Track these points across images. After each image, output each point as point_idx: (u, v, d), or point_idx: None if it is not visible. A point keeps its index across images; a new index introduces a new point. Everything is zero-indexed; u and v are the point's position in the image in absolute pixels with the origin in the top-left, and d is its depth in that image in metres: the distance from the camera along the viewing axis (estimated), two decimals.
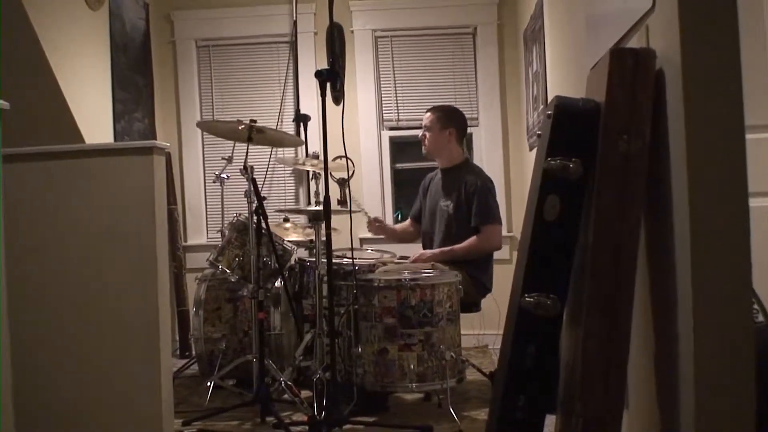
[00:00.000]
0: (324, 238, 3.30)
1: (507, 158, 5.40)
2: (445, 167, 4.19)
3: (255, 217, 3.66)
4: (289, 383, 3.63)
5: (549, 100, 3.08)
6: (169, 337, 3.34)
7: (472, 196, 3.95)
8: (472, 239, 3.93)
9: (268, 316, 4.06)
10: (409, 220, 4.47)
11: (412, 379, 3.37)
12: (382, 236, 4.53)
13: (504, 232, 5.12)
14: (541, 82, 4.20)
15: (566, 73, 3.54)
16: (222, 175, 4.88)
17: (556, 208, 2.12)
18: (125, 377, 2.96)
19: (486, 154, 5.40)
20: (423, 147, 4.19)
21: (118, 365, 2.97)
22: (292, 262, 4.12)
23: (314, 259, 3.81)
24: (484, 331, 5.11)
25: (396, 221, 5.54)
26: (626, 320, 1.97)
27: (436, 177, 4.27)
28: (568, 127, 2.14)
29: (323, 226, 3.38)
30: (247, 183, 3.68)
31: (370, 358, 3.43)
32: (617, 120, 2.01)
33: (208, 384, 3.82)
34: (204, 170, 5.63)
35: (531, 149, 4.74)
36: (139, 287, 2.98)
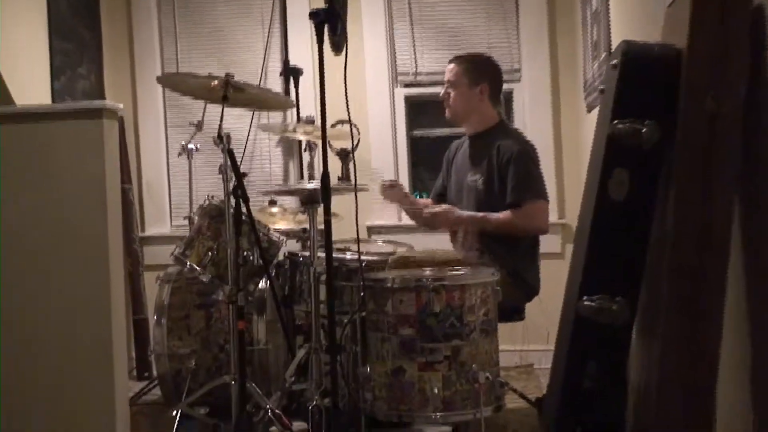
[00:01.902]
0: (321, 227, 3.28)
1: (558, 123, 5.38)
2: (473, 133, 4.19)
3: (233, 200, 3.65)
4: (278, 412, 3.61)
5: (614, 47, 3.06)
6: (124, 353, 3.36)
7: (507, 164, 3.94)
8: (509, 212, 3.92)
9: (250, 326, 4.06)
10: (429, 201, 4.46)
11: (437, 407, 3.36)
12: (396, 222, 4.53)
13: (554, 218, 5.12)
14: (603, 24, 4.18)
15: (636, 11, 3.52)
16: (190, 146, 4.91)
17: (625, 184, 2.11)
18: (69, 406, 2.98)
19: (530, 118, 5.38)
20: (446, 109, 4.18)
21: (60, 391, 2.99)
22: (281, 257, 4.12)
23: (309, 254, 3.81)
24: (528, 345, 5.11)
25: None
26: (715, 329, 1.96)
27: (463, 146, 4.27)
28: (639, 81, 2.13)
29: (320, 210, 3.36)
30: (222, 156, 3.67)
31: (381, 380, 3.43)
32: (703, 72, 1.99)
33: (174, 413, 3.83)
34: (166, 140, 5.64)
35: (590, 110, 4.72)
36: (86, 291, 3.00)
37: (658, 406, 1.99)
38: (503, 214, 3.92)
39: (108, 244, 3.02)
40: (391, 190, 4.32)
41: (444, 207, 4.08)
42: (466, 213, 4.01)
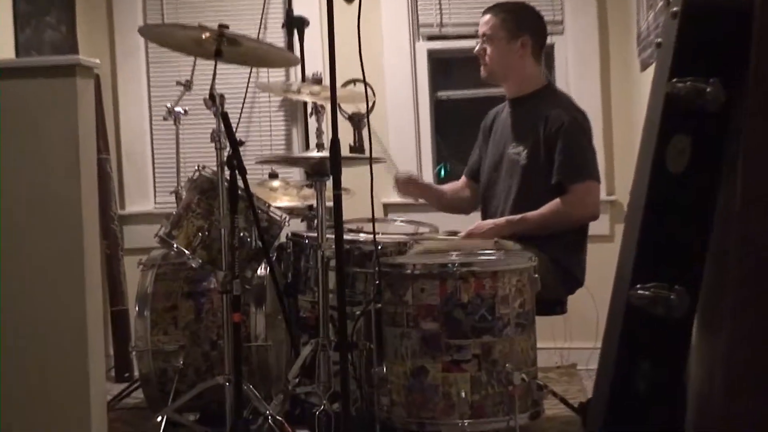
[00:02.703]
0: (330, 204, 3.29)
1: (606, 83, 5.36)
2: (515, 96, 4.17)
3: (227, 172, 3.66)
4: (280, 418, 3.64)
5: None
6: (101, 350, 3.37)
7: (555, 137, 3.94)
8: (555, 203, 3.92)
9: (247, 319, 4.07)
10: (462, 179, 4.45)
11: (464, 413, 3.37)
12: (417, 201, 4.53)
13: (602, 195, 5.10)
14: None
15: None
16: (177, 109, 4.91)
17: (685, 153, 2.11)
18: (36, 412, 3.00)
19: (574, 78, 5.36)
20: (482, 66, 4.17)
21: (26, 395, 3.01)
22: (283, 239, 4.14)
23: (315, 235, 3.82)
24: (571, 343, 5.12)
25: (439, 180, 5.53)
26: None
27: (502, 113, 4.26)
28: (703, 33, 2.11)
29: (329, 185, 3.36)
30: (214, 120, 3.68)
31: (400, 382, 3.44)
32: None
33: (159, 419, 3.84)
34: (150, 102, 5.65)
35: (645, 68, 4.70)
36: (56, 278, 3.01)
37: (725, 413, 2.00)
38: (547, 208, 3.92)
39: (82, 224, 3.03)
40: (407, 185, 4.35)
41: (472, 226, 4.07)
42: (502, 220, 4.01)
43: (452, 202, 4.45)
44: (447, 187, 4.55)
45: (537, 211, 3.92)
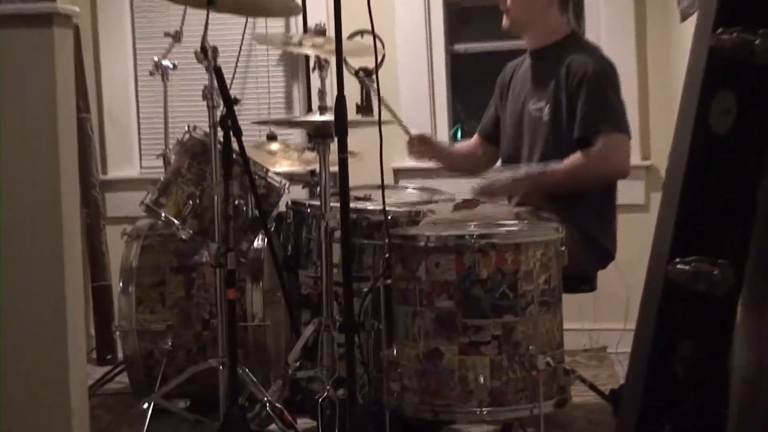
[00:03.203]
0: (335, 169, 3.30)
1: (642, 35, 5.33)
2: (537, 47, 4.17)
3: (220, 133, 3.66)
4: (279, 406, 3.68)
5: None
6: (81, 330, 3.39)
7: (579, 88, 3.93)
8: (576, 157, 3.89)
9: (242, 296, 4.10)
10: (475, 137, 4.45)
11: (482, 400, 3.38)
12: (430, 164, 4.52)
13: (636, 160, 5.11)
14: None
15: None
16: (165, 63, 4.90)
17: (731, 113, 2.10)
18: (10, 398, 3.01)
19: (606, 30, 5.33)
20: (504, 16, 4.16)
21: (1, 378, 3.01)
22: (283, 207, 4.15)
23: (318, 203, 3.83)
24: (601, 323, 5.14)
25: (454, 141, 5.52)
26: None
27: (522, 65, 4.25)
28: None
29: (334, 147, 3.37)
30: (206, 75, 3.68)
31: (412, 366, 3.46)
32: None
33: (145, 406, 3.87)
34: (134, 55, 5.66)
35: (685, 18, 4.68)
36: (32, 250, 3.01)
37: None
38: (569, 162, 3.91)
39: (60, 191, 3.03)
40: (420, 146, 4.35)
41: (489, 180, 4.06)
42: (519, 173, 4.01)
43: (463, 163, 4.46)
44: (462, 147, 4.57)
45: (558, 165, 3.93)
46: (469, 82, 5.63)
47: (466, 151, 4.48)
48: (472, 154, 4.45)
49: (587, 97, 3.89)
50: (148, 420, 3.83)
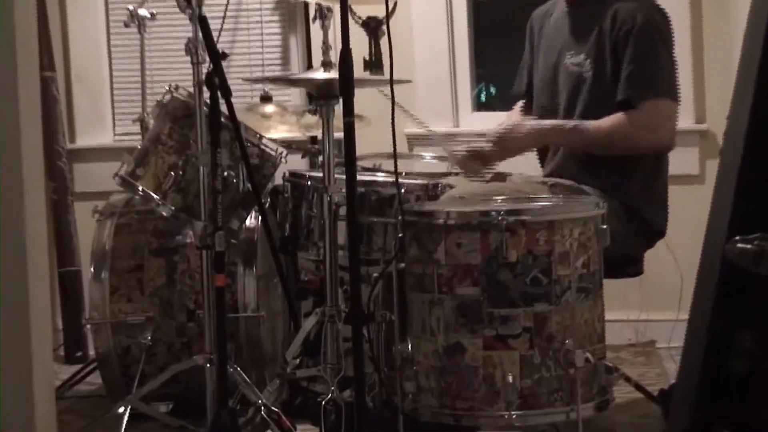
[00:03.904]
0: (340, 135, 3.30)
1: None
2: None
3: (206, 93, 3.66)
4: (275, 409, 3.69)
5: None
6: (47, 322, 3.39)
7: (626, 41, 3.92)
8: (618, 117, 3.87)
9: (233, 283, 4.11)
10: (518, 105, 4.40)
11: (511, 402, 3.38)
12: (450, 129, 4.50)
13: (687, 123, 5.12)
14: None
15: None
16: (142, 12, 4.88)
17: None
18: None
19: None
20: None
21: None
22: (279, 180, 4.15)
23: (321, 175, 3.82)
24: (648, 313, 5.16)
25: (478, 104, 5.51)
26: None
27: (555, 13, 4.25)
28: None
29: (338, 110, 3.37)
30: (190, 27, 3.68)
31: (429, 363, 3.46)
32: None
33: (121, 410, 3.89)
34: (106, 3, 5.66)
35: None
36: None
37: None
38: (609, 121, 3.90)
39: (21, 162, 3.03)
40: (475, 161, 4.23)
41: (510, 125, 4.04)
42: (548, 122, 4.00)
43: None
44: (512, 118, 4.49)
45: (595, 122, 3.91)
46: (496, 36, 5.61)
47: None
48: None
49: (634, 53, 3.88)
50: (124, 426, 3.84)
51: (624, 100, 3.88)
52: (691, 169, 5.12)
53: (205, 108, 3.69)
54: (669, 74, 3.93)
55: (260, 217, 4.04)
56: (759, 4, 2.25)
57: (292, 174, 4.09)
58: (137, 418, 3.91)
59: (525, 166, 4.27)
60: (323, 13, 3.99)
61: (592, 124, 3.91)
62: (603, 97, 3.95)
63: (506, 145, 4.05)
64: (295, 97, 5.35)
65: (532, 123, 4.05)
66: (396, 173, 3.58)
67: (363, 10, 4.04)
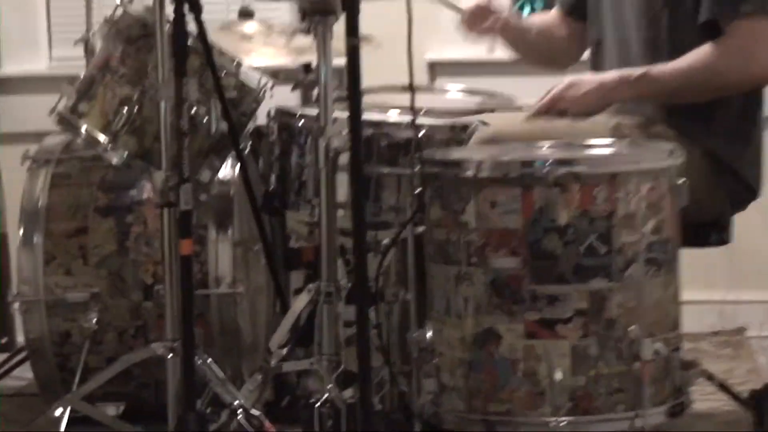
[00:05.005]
0: (341, 61, 3.32)
1: None
2: None
3: (170, 7, 3.66)
4: (256, 413, 3.71)
5: None
6: None
7: None
8: (702, 51, 3.87)
9: (203, 250, 4.13)
10: (555, 12, 4.43)
11: (559, 406, 3.39)
12: (491, 49, 4.48)
13: None
14: None
15: None
16: None
17: None
18: None
19: None
20: None
21: None
22: (263, 120, 4.15)
23: (316, 113, 3.83)
24: (738, 293, 5.19)
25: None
26: None
27: None
28: None
29: (339, 30, 3.37)
30: None
31: (455, 355, 3.47)
32: None
33: (58, 412, 3.90)
34: None
35: None
36: None
37: None
38: (689, 59, 3.90)
39: None
40: (478, 17, 4.27)
41: (566, 82, 4.03)
42: (612, 75, 3.99)
43: (540, 44, 4.43)
44: (532, 20, 4.54)
45: (671, 63, 3.91)
46: None
47: (543, 26, 4.43)
48: (551, 33, 4.43)
49: None
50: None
51: (708, 22, 3.88)
52: None
53: (167, 25, 3.68)
54: None
55: (238, 167, 4.03)
56: None
57: (280, 112, 4.10)
58: (79, 423, 3.93)
59: None
60: None
61: (666, 66, 3.90)
62: (679, 21, 3.96)
63: (565, 108, 4.01)
64: (283, 12, 5.35)
65: (590, 79, 4.03)
66: (413, 110, 3.59)
67: None
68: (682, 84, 3.87)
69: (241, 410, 3.70)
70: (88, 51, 4.63)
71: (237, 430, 3.71)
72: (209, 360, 3.81)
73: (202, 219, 4.09)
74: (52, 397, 4.07)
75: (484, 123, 3.94)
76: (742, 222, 4.14)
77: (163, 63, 3.71)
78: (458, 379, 3.44)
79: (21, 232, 4.27)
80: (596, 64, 4.19)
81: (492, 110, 4.25)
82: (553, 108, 3.96)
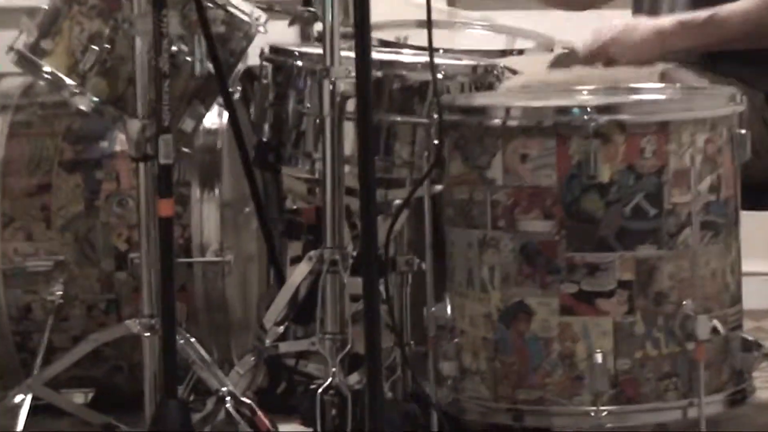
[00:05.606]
0: None
1: None
2: None
3: None
4: (248, 401, 3.71)
5: None
6: None
7: None
8: None
9: (185, 212, 4.12)
10: None
11: (600, 394, 3.39)
12: None
13: None
14: None
15: None
16: None
17: None
18: None
19: None
20: None
21: None
22: (256, 60, 4.12)
23: (318, 51, 3.82)
24: None
25: None
26: None
27: None
28: None
29: None
30: None
31: (478, 334, 3.48)
32: None
33: (17, 399, 3.90)
34: None
35: None
36: None
37: None
38: (743, 2, 3.92)
39: None
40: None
41: (613, 28, 4.03)
42: (666, 21, 4.01)
43: None
44: None
45: (734, 5, 3.96)
46: None
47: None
48: None
49: None
50: (22, 422, 3.87)
51: None
52: None
53: None
54: None
55: (227, 115, 4.01)
56: None
57: (275, 50, 4.08)
58: (42, 411, 3.95)
59: None
60: None
61: (725, 10, 3.95)
62: None
63: (614, 56, 4.05)
64: None
65: (646, 24, 4.07)
66: (431, 49, 3.58)
67: None
68: (751, 27, 3.91)
69: (229, 398, 3.70)
70: None
71: (224, 420, 3.71)
72: (192, 339, 3.81)
73: (185, 175, 4.09)
74: (10, 382, 4.09)
75: (513, 71, 3.94)
76: None
77: None
78: (482, 362, 3.46)
79: None
80: (644, 7, 4.19)
81: (523, 51, 4.25)
82: (602, 55, 3.98)
